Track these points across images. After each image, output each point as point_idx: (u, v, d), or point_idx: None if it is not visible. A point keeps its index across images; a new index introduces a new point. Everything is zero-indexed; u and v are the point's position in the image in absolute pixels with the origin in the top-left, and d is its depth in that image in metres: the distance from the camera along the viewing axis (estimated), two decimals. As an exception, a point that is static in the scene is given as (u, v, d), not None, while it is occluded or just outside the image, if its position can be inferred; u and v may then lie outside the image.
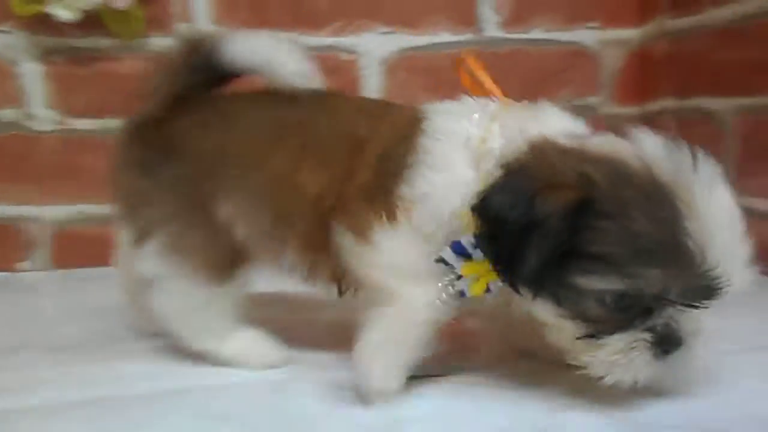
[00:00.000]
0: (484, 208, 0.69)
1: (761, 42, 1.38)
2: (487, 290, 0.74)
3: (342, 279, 0.84)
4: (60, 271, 1.63)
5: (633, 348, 0.68)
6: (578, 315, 0.70)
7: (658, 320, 0.68)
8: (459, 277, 0.75)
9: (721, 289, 0.65)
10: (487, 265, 0.72)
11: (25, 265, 1.63)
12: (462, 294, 0.75)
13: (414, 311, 0.75)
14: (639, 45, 1.80)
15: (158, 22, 1.61)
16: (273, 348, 0.91)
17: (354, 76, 1.71)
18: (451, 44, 1.74)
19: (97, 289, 1.34)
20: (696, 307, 0.67)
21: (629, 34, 1.81)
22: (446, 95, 0.88)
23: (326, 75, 1.63)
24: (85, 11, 1.50)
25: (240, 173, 0.85)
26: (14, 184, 1.62)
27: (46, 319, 1.23)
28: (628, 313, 0.68)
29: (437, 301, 0.74)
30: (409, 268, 0.76)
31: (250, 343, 0.90)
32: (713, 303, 0.67)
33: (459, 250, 0.73)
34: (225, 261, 0.86)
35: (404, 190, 0.77)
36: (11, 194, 1.62)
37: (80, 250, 1.62)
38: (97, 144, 1.60)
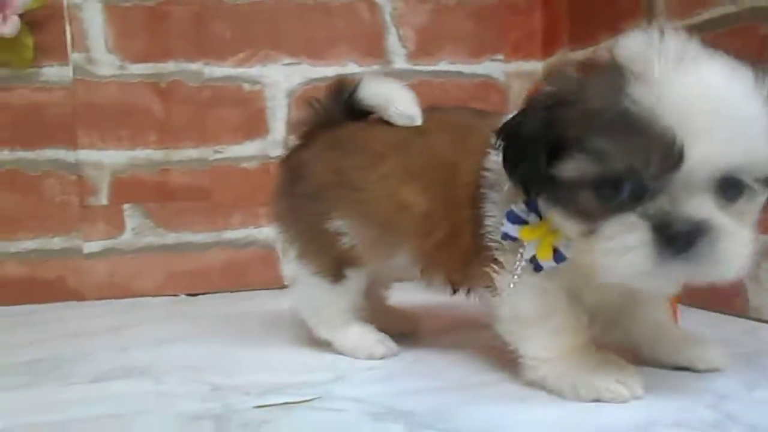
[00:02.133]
0: (500, 131, 0.76)
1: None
2: (557, 255, 0.75)
3: (457, 283, 0.93)
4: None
5: (627, 232, 0.64)
6: (575, 212, 0.69)
7: (650, 205, 0.64)
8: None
9: (678, 156, 0.61)
10: (545, 227, 0.75)
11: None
12: (533, 261, 0.77)
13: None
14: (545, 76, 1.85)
15: (51, 51, 1.55)
16: (379, 342, 1.02)
17: (260, 107, 1.69)
18: (359, 75, 1.74)
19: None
20: (667, 181, 0.63)
21: (535, 66, 1.85)
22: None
23: (231, 106, 1.67)
24: (-31, 39, 1.43)
25: (347, 192, 0.97)
26: None
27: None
28: (615, 200, 0.65)
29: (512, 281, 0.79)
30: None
31: (360, 337, 1.02)
32: (681, 176, 0.62)
33: (514, 219, 0.77)
34: (336, 265, 1.00)
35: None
36: None
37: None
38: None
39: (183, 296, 1.64)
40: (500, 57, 1.83)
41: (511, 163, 0.74)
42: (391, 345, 1.02)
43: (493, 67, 1.84)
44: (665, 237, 0.63)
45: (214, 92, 1.65)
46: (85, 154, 1.59)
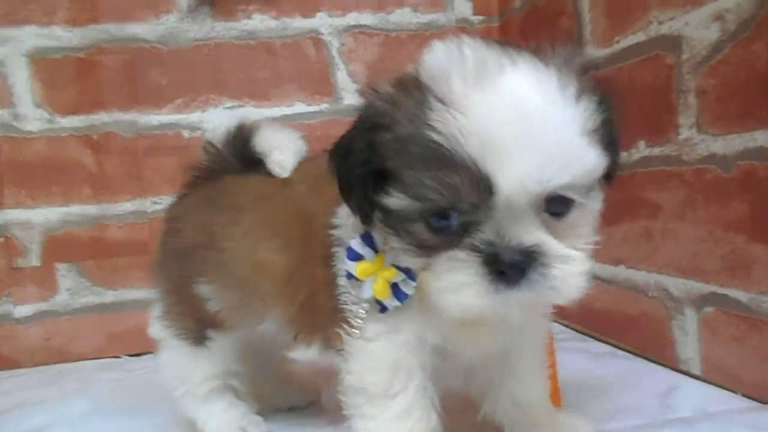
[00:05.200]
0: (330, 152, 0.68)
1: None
2: (398, 292, 0.69)
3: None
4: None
5: (457, 269, 0.60)
6: (411, 244, 0.64)
7: (477, 237, 0.59)
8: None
9: (487, 187, 0.57)
10: (380, 262, 0.69)
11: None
12: (378, 302, 0.69)
13: None
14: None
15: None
16: (241, 430, 0.92)
17: (201, 154, 1.60)
18: (307, 114, 1.66)
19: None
20: (488, 210, 0.58)
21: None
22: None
23: (170, 155, 1.59)
24: None
25: (213, 254, 0.88)
26: None
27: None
28: (445, 231, 0.61)
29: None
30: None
31: (222, 419, 0.93)
32: (501, 204, 0.58)
33: (353, 255, 0.70)
34: (199, 326, 0.92)
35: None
36: None
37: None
38: None
39: (125, 357, 1.55)
40: (460, 87, 1.73)
41: (343, 189, 0.67)
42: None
43: (452, 98, 1.73)
44: (496, 270, 0.59)
45: (150, 141, 1.58)
46: (13, 214, 1.51)
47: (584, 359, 1.20)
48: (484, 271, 0.59)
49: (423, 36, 1.70)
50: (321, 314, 0.78)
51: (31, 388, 1.35)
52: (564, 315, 1.46)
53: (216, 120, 1.61)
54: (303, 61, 1.66)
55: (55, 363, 1.52)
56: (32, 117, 1.52)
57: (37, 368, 1.50)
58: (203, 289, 0.90)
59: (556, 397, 0.86)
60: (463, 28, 1.72)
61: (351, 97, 1.68)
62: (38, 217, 1.53)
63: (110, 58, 1.56)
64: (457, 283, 0.60)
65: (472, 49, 0.60)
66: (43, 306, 1.53)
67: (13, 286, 1.52)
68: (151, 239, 1.58)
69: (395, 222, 0.64)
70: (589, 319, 1.35)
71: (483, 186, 0.57)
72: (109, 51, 1.55)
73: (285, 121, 1.63)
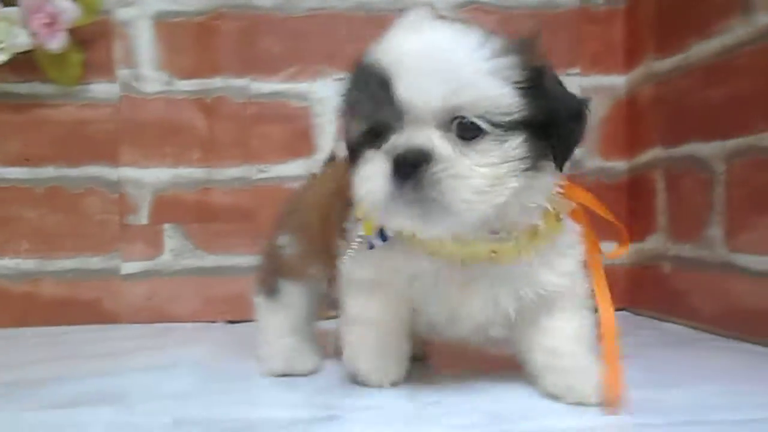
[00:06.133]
0: None
1: (749, 74, 1.20)
2: (382, 233, 0.82)
3: None
4: None
5: (370, 162, 0.75)
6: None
7: (384, 142, 0.75)
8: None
9: (392, 98, 0.72)
10: None
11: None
12: (368, 239, 0.84)
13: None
14: (626, 92, 1.64)
15: (99, 67, 1.54)
16: (302, 357, 1.03)
17: (306, 124, 1.59)
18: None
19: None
20: (400, 121, 0.73)
21: (616, 80, 1.65)
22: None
23: (276, 123, 1.59)
24: (18, 54, 1.44)
25: (292, 218, 1.07)
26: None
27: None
28: (378, 142, 0.76)
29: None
30: None
31: (284, 351, 1.03)
32: (408, 116, 0.73)
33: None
34: (273, 276, 1.05)
35: None
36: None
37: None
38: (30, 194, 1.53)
39: (221, 323, 1.55)
40: (576, 70, 1.65)
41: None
42: (308, 361, 1.01)
43: (567, 82, 1.63)
44: (393, 163, 0.72)
45: (258, 109, 1.58)
46: (127, 172, 1.55)
47: (745, 358, 1.08)
48: (385, 165, 0.72)
49: (542, 15, 1.63)
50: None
51: (131, 338, 1.37)
52: (701, 317, 1.35)
53: (324, 91, 1.59)
54: (416, 36, 1.62)
55: (154, 322, 1.54)
56: (152, 79, 1.56)
57: (137, 325, 1.53)
58: (282, 240, 1.05)
59: (614, 387, 0.76)
60: (585, 9, 1.64)
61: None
62: (150, 177, 1.56)
63: (228, 23, 1.57)
64: (366, 173, 0.75)
65: (419, 13, 0.78)
66: (148, 265, 1.56)
67: (122, 243, 1.55)
68: (256, 207, 1.58)
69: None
70: (737, 320, 1.22)
71: (393, 102, 0.73)
72: (227, 16, 1.57)
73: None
